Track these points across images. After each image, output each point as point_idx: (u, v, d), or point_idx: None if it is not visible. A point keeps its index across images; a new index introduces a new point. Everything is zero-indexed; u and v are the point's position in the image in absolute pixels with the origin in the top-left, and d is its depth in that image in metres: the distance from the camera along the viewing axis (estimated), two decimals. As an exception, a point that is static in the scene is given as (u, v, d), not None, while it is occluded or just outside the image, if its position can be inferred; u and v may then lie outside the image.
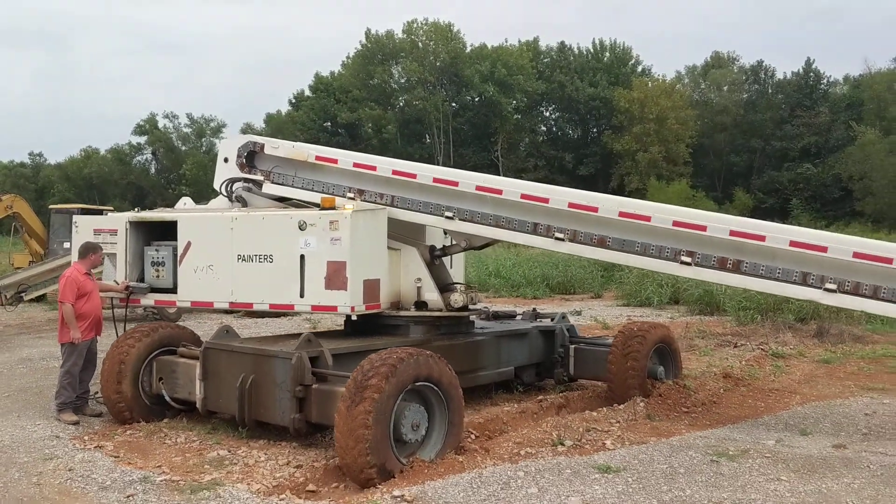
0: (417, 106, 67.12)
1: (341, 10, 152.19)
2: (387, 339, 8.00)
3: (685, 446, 7.19)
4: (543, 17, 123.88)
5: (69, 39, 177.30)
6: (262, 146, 9.30)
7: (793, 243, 7.01)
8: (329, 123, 71.27)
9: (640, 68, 74.18)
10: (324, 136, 69.67)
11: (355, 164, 8.82)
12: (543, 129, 74.71)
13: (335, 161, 8.92)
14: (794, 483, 6.14)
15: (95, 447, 7.26)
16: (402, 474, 6.20)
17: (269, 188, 9.17)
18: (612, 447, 7.16)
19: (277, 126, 76.10)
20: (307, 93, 73.98)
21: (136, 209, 9.54)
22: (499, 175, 66.98)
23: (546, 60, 73.82)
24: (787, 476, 6.32)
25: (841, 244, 6.94)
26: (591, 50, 73.96)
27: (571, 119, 73.67)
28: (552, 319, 10.07)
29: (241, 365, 7.45)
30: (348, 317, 8.41)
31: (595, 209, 7.75)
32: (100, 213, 19.91)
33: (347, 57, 72.74)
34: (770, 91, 71.27)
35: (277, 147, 9.26)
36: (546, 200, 7.93)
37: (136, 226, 8.84)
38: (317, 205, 8.21)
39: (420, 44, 68.85)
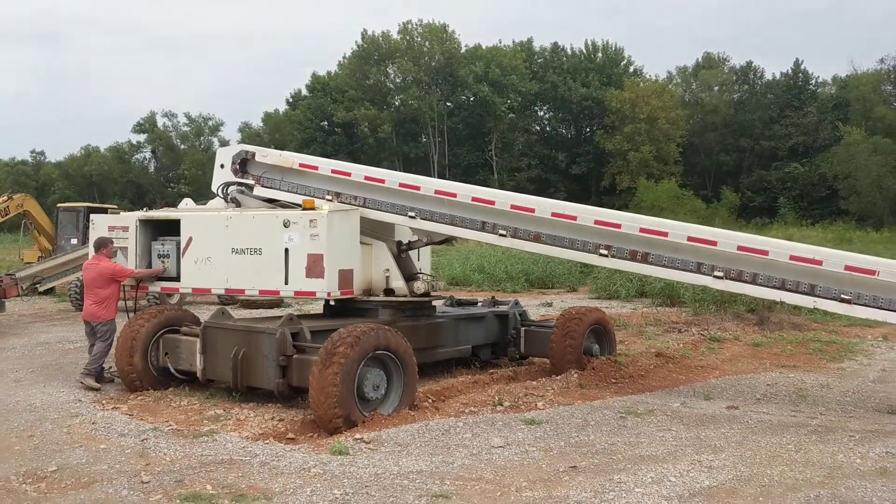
0: (412, 105, 68.35)
1: (339, 9, 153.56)
2: (358, 320, 9.43)
3: (603, 407, 8.66)
4: (538, 17, 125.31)
5: (69, 37, 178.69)
6: (254, 154, 10.76)
7: (690, 238, 8.49)
8: (326, 123, 72.52)
9: (631, 69, 75.38)
10: (320, 136, 71.07)
11: (333, 171, 10.28)
12: (537, 128, 76.01)
13: (316, 168, 10.37)
14: (680, 432, 7.62)
15: (112, 408, 8.72)
16: (364, 424, 7.68)
17: (259, 191, 10.63)
18: (542, 407, 8.64)
19: (275, 125, 77.48)
20: (304, 92, 75.28)
21: (143, 209, 11.00)
22: (493, 174, 68.53)
23: (539, 61, 75.10)
24: (677, 427, 7.80)
25: (728, 239, 8.41)
26: (584, 51, 75.27)
27: (564, 119, 74.99)
28: (507, 306, 11.53)
29: (234, 340, 8.92)
30: (327, 301, 9.91)
31: (532, 210, 9.21)
32: (105, 211, 21.36)
33: (344, 57, 74.10)
34: (759, 91, 72.51)
35: (266, 155, 10.72)
36: (492, 203, 9.40)
37: (145, 223, 10.31)
38: (300, 206, 9.64)
39: (415, 44, 70.15)
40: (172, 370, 9.60)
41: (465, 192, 9.62)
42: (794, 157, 65.69)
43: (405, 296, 9.91)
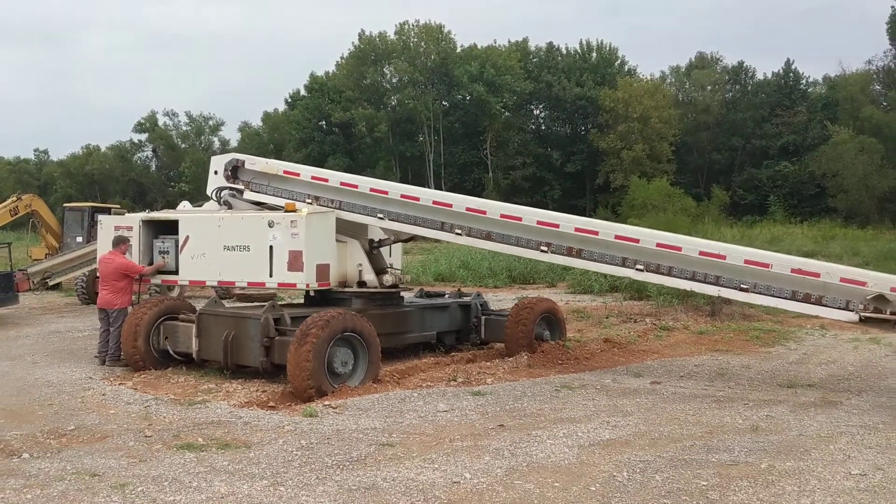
0: (409, 105, 69.51)
1: (338, 10, 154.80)
2: (333, 308, 10.79)
3: (543, 382, 10.02)
4: (534, 17, 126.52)
5: (71, 36, 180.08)
6: (244, 162, 12.10)
7: (617, 237, 9.83)
8: (323, 122, 73.75)
9: (626, 68, 76.48)
10: (318, 135, 72.33)
11: (313, 177, 11.63)
12: (532, 127, 77.17)
13: (298, 174, 11.72)
14: (602, 401, 8.97)
15: (119, 384, 10.08)
16: (333, 394, 9.05)
17: (248, 195, 11.98)
18: (490, 383, 10.00)
19: (274, 124, 78.87)
20: (302, 92, 76.53)
21: (147, 210, 12.35)
22: (488, 173, 69.69)
23: (535, 60, 76.27)
24: (601, 398, 9.16)
25: (648, 237, 9.75)
26: (579, 50, 76.44)
27: (559, 118, 76.22)
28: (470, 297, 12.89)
29: (225, 325, 10.28)
30: (307, 292, 11.26)
31: (484, 212, 10.56)
32: (109, 211, 22.74)
33: (341, 57, 75.31)
34: (750, 91, 73.69)
35: (255, 163, 12.07)
36: (450, 205, 10.74)
37: (147, 223, 11.68)
38: (283, 208, 10.99)
39: (411, 45, 71.35)
40: (171, 352, 10.96)
41: (427, 196, 10.97)
42: (785, 155, 66.80)
43: (376, 287, 11.26)
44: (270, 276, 10.58)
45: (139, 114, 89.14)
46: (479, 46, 73.44)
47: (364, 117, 68.49)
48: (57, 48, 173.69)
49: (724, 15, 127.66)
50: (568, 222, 10.14)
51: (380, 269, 11.44)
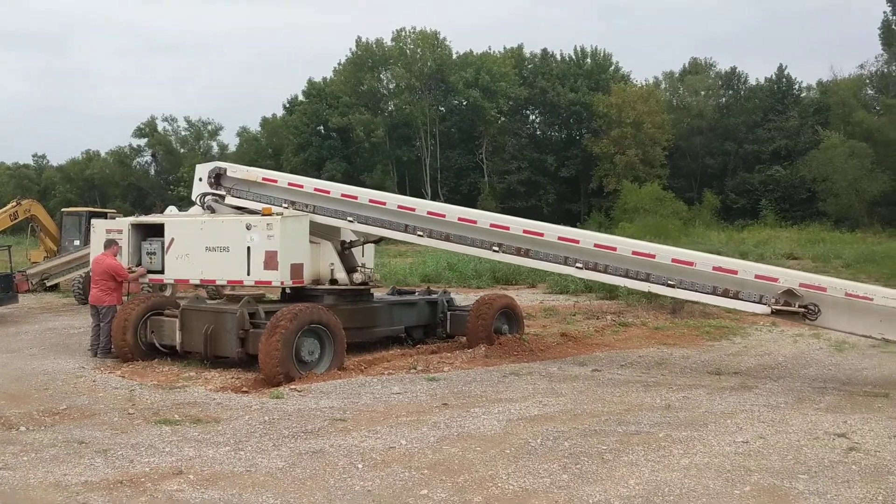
0: (405, 111, 70.54)
1: (336, 16, 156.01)
2: (306, 304, 11.77)
3: (495, 371, 11.00)
4: (530, 22, 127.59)
5: (70, 41, 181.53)
6: (226, 170, 13.10)
7: (560, 238, 10.82)
8: (321, 128, 74.75)
9: (619, 74, 77.35)
10: (316, 140, 73.31)
11: (289, 184, 12.63)
12: (528, 132, 78.08)
13: (276, 181, 12.72)
14: (541, 385, 9.95)
15: (108, 373, 11.08)
16: (300, 379, 10.04)
17: (230, 200, 12.97)
18: (447, 371, 10.98)
19: (272, 129, 79.84)
20: (300, 97, 77.59)
21: (136, 213, 13.35)
22: (484, 177, 70.60)
23: (530, 66, 77.29)
24: (542, 382, 10.13)
25: (587, 238, 10.74)
26: (573, 56, 77.43)
27: (554, 123, 77.18)
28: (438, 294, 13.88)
29: (205, 319, 11.27)
30: (283, 289, 12.25)
31: (443, 216, 11.54)
32: (105, 215, 23.74)
33: (339, 63, 76.39)
34: (743, 96, 74.58)
35: (236, 171, 13.07)
36: (413, 209, 11.73)
37: (136, 227, 12.68)
38: (261, 212, 11.98)
39: (408, 51, 72.40)
40: (157, 345, 11.94)
41: (393, 200, 11.97)
42: (777, 160, 67.53)
43: (346, 285, 12.26)
44: (248, 274, 11.56)
45: (139, 118, 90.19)
46: (474, 53, 74.56)
47: (361, 122, 69.40)
48: (56, 53, 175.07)
49: (722, 17, 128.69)
50: (517, 225, 11.12)
51: (350, 268, 12.44)
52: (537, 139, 77.39)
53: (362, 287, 12.53)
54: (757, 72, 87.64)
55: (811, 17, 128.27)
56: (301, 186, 12.54)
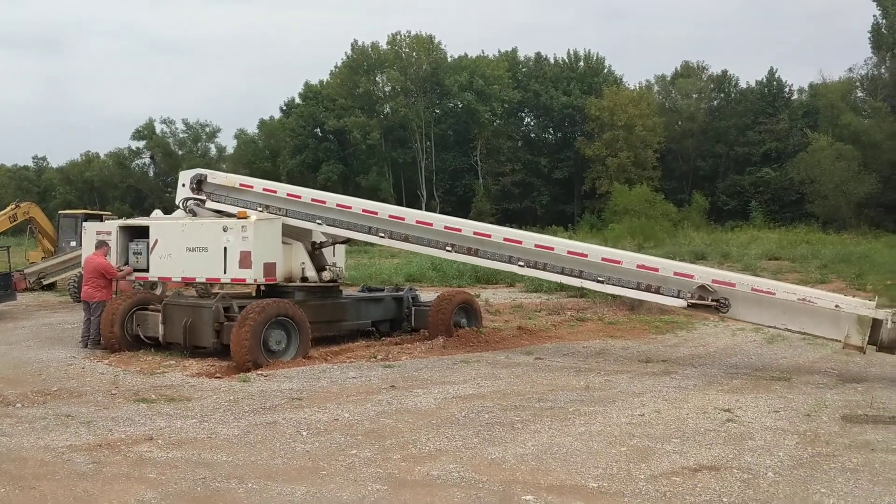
0: (401, 113, 71.64)
1: (333, 18, 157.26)
2: (275, 299, 12.90)
3: (448, 359, 12.14)
4: (526, 27, 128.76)
5: (70, 44, 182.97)
6: (206, 176, 14.24)
7: (505, 239, 11.96)
8: (318, 130, 75.85)
9: (612, 78, 78.38)
10: (313, 142, 74.40)
11: (264, 189, 13.77)
12: (522, 134, 79.22)
13: (252, 187, 13.86)
14: (484, 370, 11.08)
15: (97, 361, 12.22)
16: (268, 366, 11.18)
17: (210, 205, 14.11)
18: (404, 359, 12.11)
19: (270, 131, 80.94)
20: (297, 100, 78.72)
21: (123, 217, 14.48)
22: (478, 179, 71.59)
23: (524, 70, 78.44)
24: (487, 369, 11.26)
25: (529, 239, 11.88)
26: (567, 60, 78.57)
27: (548, 126, 78.32)
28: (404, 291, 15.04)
29: (185, 312, 12.41)
30: (259, 286, 13.39)
31: (403, 219, 12.68)
32: (100, 218, 24.89)
33: (335, 66, 77.49)
34: (734, 99, 75.64)
35: (216, 177, 14.21)
36: (376, 213, 12.87)
37: (123, 229, 13.83)
38: (236, 216, 13.11)
39: (403, 54, 73.52)
40: (142, 336, 13.08)
41: (357, 204, 13.11)
42: (767, 162, 68.64)
43: (315, 282, 13.40)
44: (224, 272, 12.69)
45: (137, 120, 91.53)
46: (469, 56, 75.70)
47: (357, 125, 70.41)
48: (54, 55, 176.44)
49: (718, 20, 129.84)
50: (468, 227, 12.28)
51: (320, 267, 13.59)
52: (531, 142, 78.57)
53: (331, 284, 13.67)
54: (749, 74, 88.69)
55: (810, 20, 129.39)
56: (275, 192, 13.67)
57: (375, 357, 12.25)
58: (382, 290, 15.54)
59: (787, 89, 74.94)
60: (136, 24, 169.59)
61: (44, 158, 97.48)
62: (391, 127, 73.16)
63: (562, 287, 24.50)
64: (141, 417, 8.44)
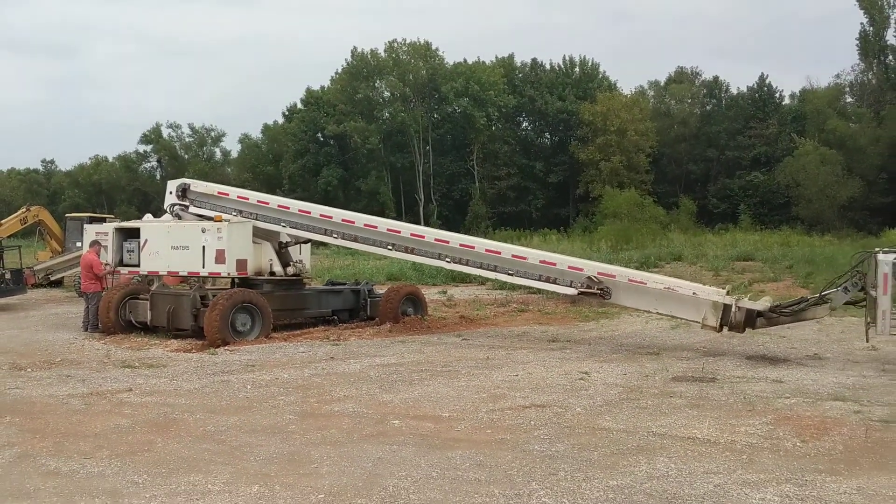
0: (400, 119, 73.74)
1: (335, 25, 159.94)
2: (242, 289, 15.17)
3: (389, 340, 14.40)
4: (523, 33, 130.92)
5: (79, 48, 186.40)
6: (190, 185, 16.60)
7: (437, 239, 14.26)
8: (319, 135, 78.04)
9: (606, 83, 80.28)
10: (314, 147, 76.57)
11: (238, 196, 16.12)
12: (518, 138, 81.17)
13: (228, 194, 16.22)
14: (413, 347, 13.35)
15: (95, 341, 14.59)
16: (234, 343, 13.52)
17: (193, 210, 16.46)
18: (352, 340, 14.40)
19: (273, 136, 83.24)
20: (299, 105, 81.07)
21: (119, 219, 16.84)
22: (475, 183, 73.58)
23: (520, 75, 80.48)
24: (416, 346, 13.54)
25: (455, 239, 14.18)
26: (562, 66, 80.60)
27: (543, 130, 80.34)
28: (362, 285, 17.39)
29: (168, 300, 14.78)
30: (233, 279, 15.74)
31: (353, 222, 15.00)
32: (103, 220, 27.27)
33: (336, 73, 79.77)
34: (725, 104, 77.51)
35: (198, 186, 16.57)
36: (331, 217, 15.19)
37: (118, 230, 16.22)
38: (213, 219, 15.44)
39: (401, 61, 75.72)
40: (134, 322, 15.43)
41: (315, 210, 15.44)
42: (756, 166, 70.25)
43: (281, 276, 15.75)
44: (203, 267, 15.03)
45: (145, 124, 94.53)
46: (467, 62, 77.78)
47: (357, 130, 72.36)
48: (64, 59, 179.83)
49: (716, 24, 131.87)
50: (406, 229, 14.60)
51: (286, 263, 15.92)
52: (527, 146, 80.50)
53: (295, 278, 16.01)
54: (741, 80, 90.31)
55: (809, 24, 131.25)
56: (247, 199, 16.03)
57: (328, 338, 14.54)
58: (344, 284, 17.85)
59: (777, 95, 76.80)
60: (145, 29, 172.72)
61: (52, 162, 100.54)
62: (390, 132, 75.06)
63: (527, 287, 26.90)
64: (125, 377, 10.80)
